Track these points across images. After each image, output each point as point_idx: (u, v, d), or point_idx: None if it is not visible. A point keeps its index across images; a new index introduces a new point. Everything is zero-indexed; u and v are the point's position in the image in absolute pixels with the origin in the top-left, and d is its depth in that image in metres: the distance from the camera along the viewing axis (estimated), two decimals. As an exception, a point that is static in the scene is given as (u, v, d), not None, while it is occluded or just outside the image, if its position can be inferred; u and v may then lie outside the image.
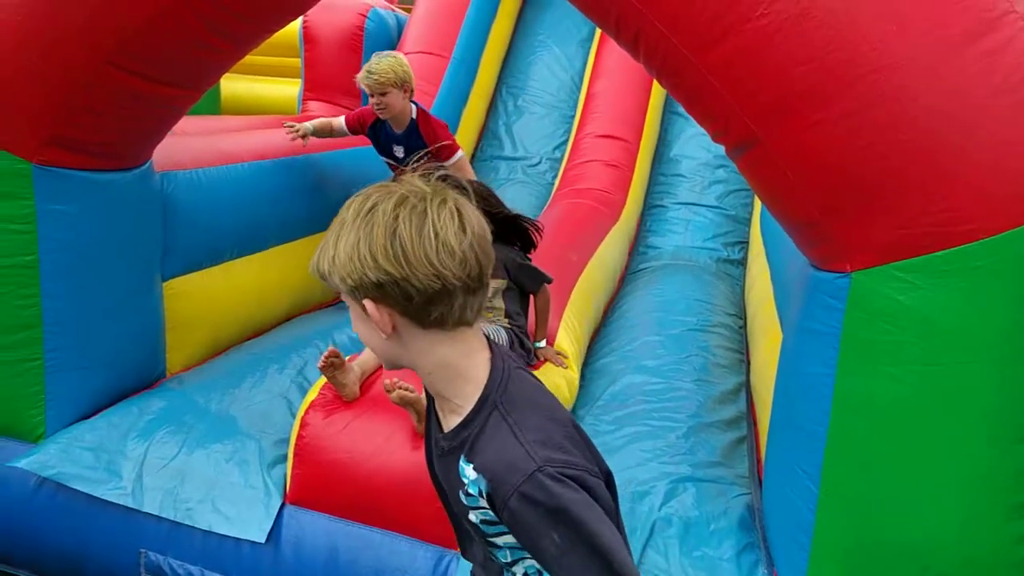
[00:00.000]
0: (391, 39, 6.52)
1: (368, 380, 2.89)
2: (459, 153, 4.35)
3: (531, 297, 3.27)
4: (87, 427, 2.98)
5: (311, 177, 4.49)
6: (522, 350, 3.15)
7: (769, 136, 2.00)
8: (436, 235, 1.26)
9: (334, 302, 4.76)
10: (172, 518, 2.72)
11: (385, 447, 2.66)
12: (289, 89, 7.62)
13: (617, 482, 2.82)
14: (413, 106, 4.32)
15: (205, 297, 3.70)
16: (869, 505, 2.10)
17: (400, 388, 2.54)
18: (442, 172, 1.40)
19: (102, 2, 2.50)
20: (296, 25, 6.17)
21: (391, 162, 4.50)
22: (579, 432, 1.37)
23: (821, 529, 2.20)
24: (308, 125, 4.35)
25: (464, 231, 1.28)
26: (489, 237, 1.34)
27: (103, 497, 2.76)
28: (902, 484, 2.05)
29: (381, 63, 4.11)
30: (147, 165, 3.17)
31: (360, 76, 4.14)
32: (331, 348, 2.70)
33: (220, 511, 2.72)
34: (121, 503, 2.75)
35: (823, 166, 1.94)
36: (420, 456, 2.61)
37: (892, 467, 2.05)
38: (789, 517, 2.32)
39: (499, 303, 3.14)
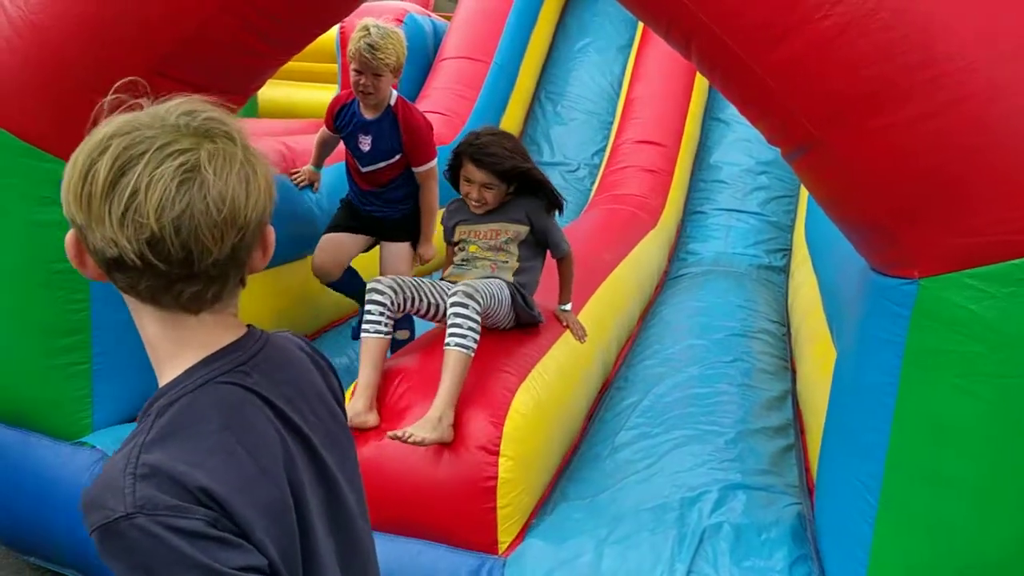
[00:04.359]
0: (427, 45, 6.54)
1: (386, 394, 2.78)
2: (433, 162, 3.78)
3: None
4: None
5: (340, 187, 4.26)
6: (525, 305, 3.04)
7: (832, 139, 1.95)
8: (133, 193, 0.95)
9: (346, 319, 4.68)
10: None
11: (416, 457, 2.60)
12: (325, 95, 7.66)
13: (667, 487, 2.86)
14: (393, 91, 3.72)
15: (245, 303, 3.67)
16: (933, 521, 2.03)
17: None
18: (222, 115, 1.05)
19: (151, 14, 2.52)
20: (333, 31, 6.20)
21: (354, 160, 3.80)
22: (268, 495, 1.04)
23: (880, 544, 2.13)
24: (305, 167, 4.05)
25: (176, 202, 0.95)
26: (235, 221, 1.00)
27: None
28: (969, 500, 1.98)
29: (387, 41, 3.49)
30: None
31: (358, 47, 3.47)
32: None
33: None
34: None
35: (893, 170, 1.88)
36: (455, 463, 2.60)
37: (959, 482, 1.98)
38: (845, 530, 2.26)
39: (514, 249, 3.07)
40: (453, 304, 2.67)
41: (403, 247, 3.90)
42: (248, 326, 1.15)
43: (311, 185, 4.12)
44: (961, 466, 1.98)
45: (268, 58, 2.89)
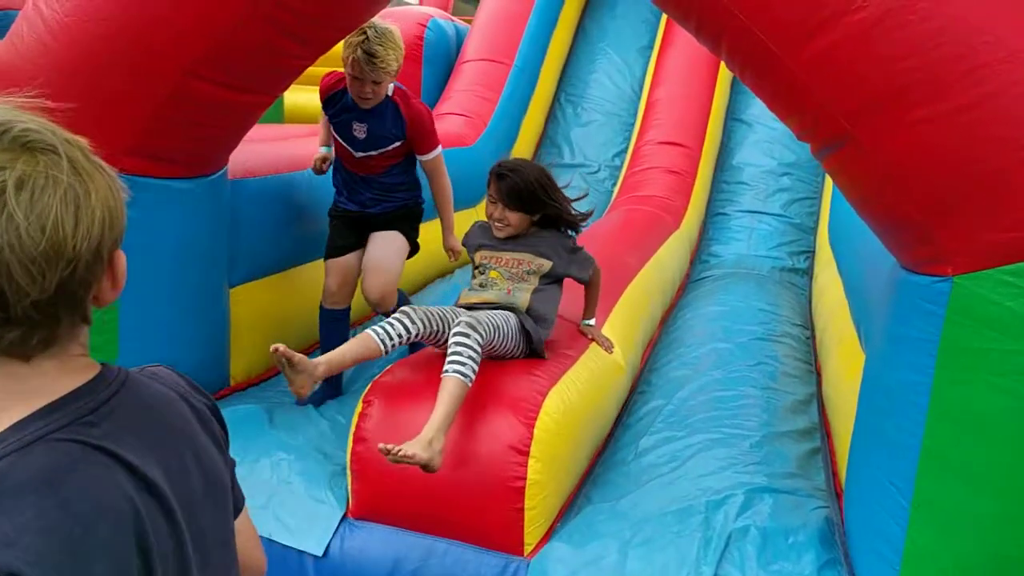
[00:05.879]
0: (450, 49, 6.56)
1: (410, 387, 2.76)
2: (439, 149, 3.65)
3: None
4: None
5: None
6: (532, 322, 2.94)
7: (864, 134, 1.93)
8: None
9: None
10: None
11: (446, 455, 2.52)
12: (349, 99, 7.70)
13: (692, 490, 2.84)
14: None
15: (266, 304, 3.71)
16: (968, 521, 2.00)
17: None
18: (47, 126, 0.88)
19: (185, 17, 2.54)
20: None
21: (345, 147, 3.61)
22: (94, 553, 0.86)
23: (912, 546, 2.10)
24: (318, 152, 3.82)
25: None
26: (60, 254, 0.84)
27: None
28: (1003, 499, 1.95)
29: (386, 47, 3.31)
30: (221, 172, 3.21)
31: (356, 56, 3.29)
32: (279, 349, 2.56)
33: (281, 520, 2.71)
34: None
35: (928, 164, 1.86)
36: (484, 462, 2.58)
37: (994, 481, 1.95)
38: (876, 532, 2.23)
39: (534, 282, 3.03)
40: (455, 333, 2.66)
41: (395, 236, 3.66)
42: (103, 365, 0.98)
43: (322, 164, 3.83)
44: (995, 464, 1.95)
45: (298, 59, 2.92)
